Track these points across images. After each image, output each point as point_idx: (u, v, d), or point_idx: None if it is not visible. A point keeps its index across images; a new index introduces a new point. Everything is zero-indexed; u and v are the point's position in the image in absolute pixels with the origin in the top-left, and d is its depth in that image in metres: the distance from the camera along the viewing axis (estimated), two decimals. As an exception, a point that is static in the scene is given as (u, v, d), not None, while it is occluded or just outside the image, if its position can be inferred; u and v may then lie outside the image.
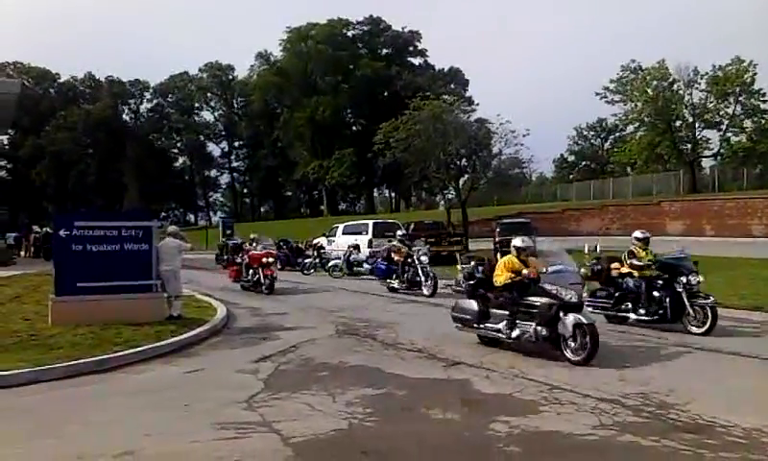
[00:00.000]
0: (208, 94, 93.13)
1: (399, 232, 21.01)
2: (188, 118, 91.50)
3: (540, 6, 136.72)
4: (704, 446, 5.47)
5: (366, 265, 23.65)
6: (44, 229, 39.68)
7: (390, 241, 25.90)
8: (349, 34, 79.61)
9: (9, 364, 8.60)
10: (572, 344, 8.67)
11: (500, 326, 9.48)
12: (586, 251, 14.24)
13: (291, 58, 78.23)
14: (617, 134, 70.20)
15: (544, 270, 9.21)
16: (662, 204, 40.74)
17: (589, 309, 10.94)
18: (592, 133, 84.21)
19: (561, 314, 8.80)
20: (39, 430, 6.38)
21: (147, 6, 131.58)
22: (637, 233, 12.18)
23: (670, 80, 48.59)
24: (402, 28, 79.69)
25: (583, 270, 11.26)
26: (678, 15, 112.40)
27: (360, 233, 26.74)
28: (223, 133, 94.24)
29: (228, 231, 51.38)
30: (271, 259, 18.83)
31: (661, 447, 5.50)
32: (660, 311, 11.01)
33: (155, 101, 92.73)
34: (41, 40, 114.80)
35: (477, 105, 55.26)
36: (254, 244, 21.11)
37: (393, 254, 18.72)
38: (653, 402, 6.74)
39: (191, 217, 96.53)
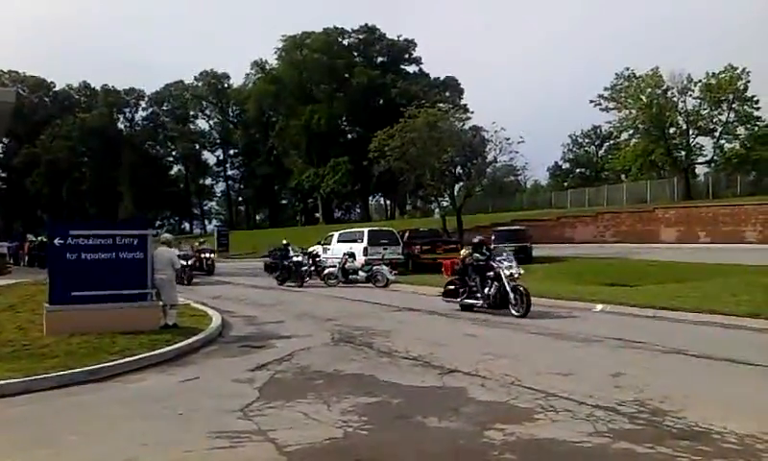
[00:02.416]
0: (204, 102, 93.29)
1: None
2: (183, 126, 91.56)
3: (534, 14, 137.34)
4: (699, 453, 5.47)
5: (361, 273, 23.68)
6: (39, 237, 39.60)
7: (385, 249, 26.02)
8: (345, 42, 79.90)
9: (2, 373, 8.56)
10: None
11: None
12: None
13: (286, 66, 78.44)
14: (612, 142, 70.42)
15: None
16: (657, 210, 40.80)
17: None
18: (587, 140, 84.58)
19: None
20: (34, 440, 6.35)
21: (142, 15, 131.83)
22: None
23: (664, 87, 48.80)
24: (397, 36, 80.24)
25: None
26: (672, 23, 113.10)
27: (355, 241, 26.72)
28: (218, 141, 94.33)
29: (224, 241, 51.34)
30: None
31: (656, 454, 5.50)
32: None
33: (150, 109, 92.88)
34: (37, 49, 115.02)
35: (472, 113, 55.47)
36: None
37: None
38: (648, 409, 6.74)
39: (186, 225, 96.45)
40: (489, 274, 14.84)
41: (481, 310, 14.84)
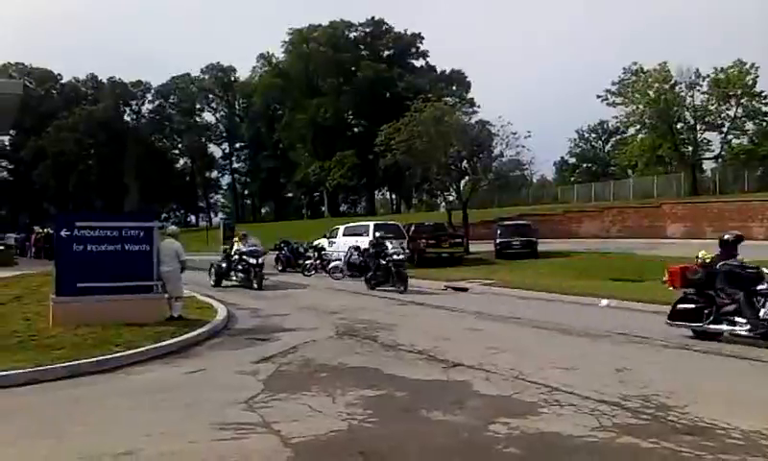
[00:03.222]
0: (210, 95, 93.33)
1: None
2: (190, 119, 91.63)
3: (541, 8, 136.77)
4: (703, 448, 5.46)
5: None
6: (45, 229, 39.76)
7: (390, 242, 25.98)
8: (351, 35, 79.87)
9: (9, 364, 8.60)
10: None
11: None
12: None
13: (292, 59, 78.44)
14: (618, 137, 70.26)
15: None
16: (663, 206, 40.67)
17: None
18: (593, 135, 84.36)
19: None
20: (39, 430, 6.38)
21: (149, 7, 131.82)
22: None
23: (672, 82, 48.59)
24: (404, 30, 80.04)
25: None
26: (680, 17, 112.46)
27: (361, 235, 26.71)
28: (224, 134, 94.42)
29: (230, 234, 50.99)
30: None
31: (661, 449, 5.49)
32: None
33: (156, 102, 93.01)
34: (44, 41, 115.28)
35: (479, 107, 55.44)
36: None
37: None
38: (652, 404, 6.73)
39: (192, 218, 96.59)
40: (761, 287, 9.90)
41: (742, 341, 10.04)
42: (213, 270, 21.52)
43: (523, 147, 34.00)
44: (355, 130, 79.42)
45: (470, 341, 10.74)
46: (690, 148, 50.85)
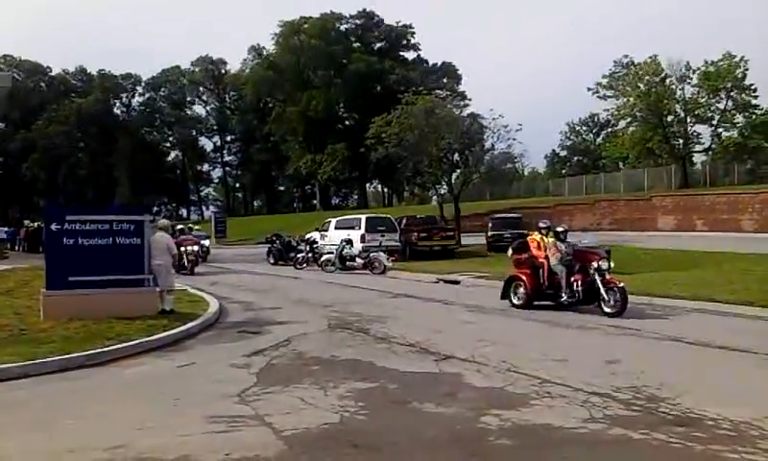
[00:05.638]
0: (200, 88, 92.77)
1: None
2: (180, 112, 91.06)
3: (532, 1, 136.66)
4: (693, 439, 5.51)
5: (359, 259, 23.68)
6: (36, 223, 39.59)
7: (383, 236, 26.01)
8: (342, 28, 79.49)
9: (0, 358, 8.56)
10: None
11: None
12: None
13: (283, 52, 78.02)
14: (609, 130, 70.28)
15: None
16: (654, 199, 40.85)
17: None
18: (584, 128, 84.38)
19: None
20: (31, 424, 6.36)
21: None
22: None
23: (662, 75, 48.66)
24: (395, 22, 79.69)
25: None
26: (671, 10, 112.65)
27: (353, 228, 26.69)
28: (215, 127, 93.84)
29: (221, 227, 50.74)
30: None
31: (651, 440, 5.53)
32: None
33: (146, 95, 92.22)
34: (32, 34, 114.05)
35: (470, 100, 55.24)
36: None
37: None
38: (643, 396, 6.78)
39: (183, 212, 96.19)
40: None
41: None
42: None
43: (514, 140, 34.05)
44: (347, 122, 79.13)
45: (462, 334, 10.77)
46: (681, 141, 50.95)
